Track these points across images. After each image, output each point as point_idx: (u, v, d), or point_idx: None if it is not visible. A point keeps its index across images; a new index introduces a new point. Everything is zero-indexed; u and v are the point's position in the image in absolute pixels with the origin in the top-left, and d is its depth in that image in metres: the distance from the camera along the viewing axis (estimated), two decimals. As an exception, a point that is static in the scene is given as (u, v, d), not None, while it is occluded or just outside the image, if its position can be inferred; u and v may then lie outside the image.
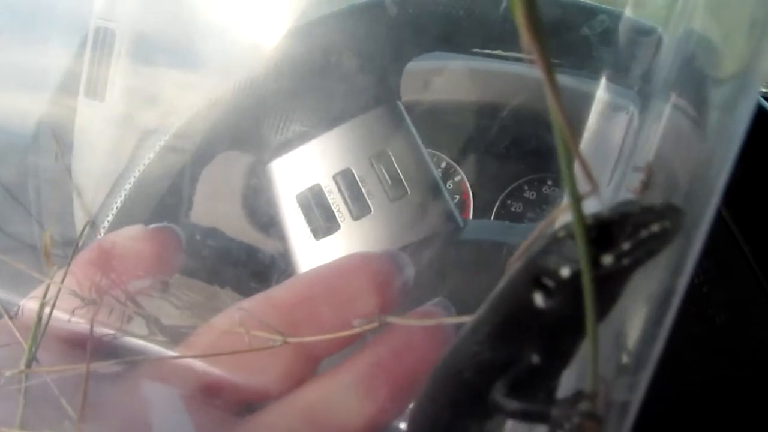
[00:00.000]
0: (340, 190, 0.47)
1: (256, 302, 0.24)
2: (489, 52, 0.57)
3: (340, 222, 0.47)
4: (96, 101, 0.52)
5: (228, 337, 0.24)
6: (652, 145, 0.19)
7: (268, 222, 0.51)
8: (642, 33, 0.26)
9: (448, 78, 0.60)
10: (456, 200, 0.65)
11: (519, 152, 0.60)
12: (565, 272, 0.17)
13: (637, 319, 0.18)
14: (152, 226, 0.26)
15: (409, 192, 0.46)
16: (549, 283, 0.17)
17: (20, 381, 0.22)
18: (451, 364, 0.20)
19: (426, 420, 0.21)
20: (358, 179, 0.47)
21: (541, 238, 0.18)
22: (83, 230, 0.40)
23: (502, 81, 0.59)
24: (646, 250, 0.17)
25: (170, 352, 0.24)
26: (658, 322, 0.18)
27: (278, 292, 0.25)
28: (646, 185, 0.20)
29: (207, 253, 0.53)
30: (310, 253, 0.47)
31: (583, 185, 0.16)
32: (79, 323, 0.24)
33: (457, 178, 0.66)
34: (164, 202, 0.49)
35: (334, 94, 0.47)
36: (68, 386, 0.22)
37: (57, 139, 0.49)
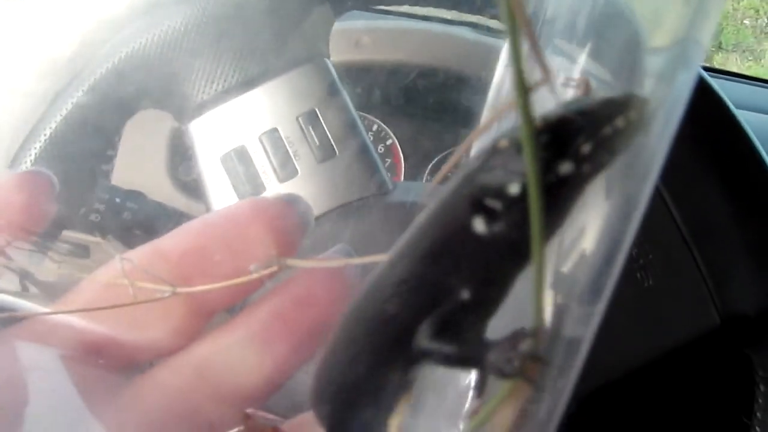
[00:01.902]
0: (265, 151, 0.45)
1: (143, 252, 0.23)
2: (422, 12, 0.55)
3: (266, 184, 0.45)
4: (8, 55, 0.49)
5: (112, 291, 0.22)
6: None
7: (192, 185, 0.49)
8: None
9: (380, 38, 0.58)
10: (387, 164, 0.64)
11: (453, 116, 0.59)
12: (513, 189, 0.14)
13: (589, 237, 0.16)
14: (21, 171, 0.24)
15: (337, 153, 0.45)
16: (494, 204, 0.15)
17: None
18: (366, 305, 0.17)
19: (336, 373, 0.18)
20: (284, 140, 0.45)
21: (478, 152, 0.15)
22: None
23: (436, 43, 0.58)
24: (610, 151, 0.14)
25: (46, 309, 0.22)
26: (615, 242, 0.15)
27: (167, 241, 0.23)
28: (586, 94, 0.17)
29: (127, 216, 0.51)
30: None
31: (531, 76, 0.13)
32: None
33: (388, 142, 0.64)
34: (79, 162, 0.46)
35: (260, 50, 0.45)
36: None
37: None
